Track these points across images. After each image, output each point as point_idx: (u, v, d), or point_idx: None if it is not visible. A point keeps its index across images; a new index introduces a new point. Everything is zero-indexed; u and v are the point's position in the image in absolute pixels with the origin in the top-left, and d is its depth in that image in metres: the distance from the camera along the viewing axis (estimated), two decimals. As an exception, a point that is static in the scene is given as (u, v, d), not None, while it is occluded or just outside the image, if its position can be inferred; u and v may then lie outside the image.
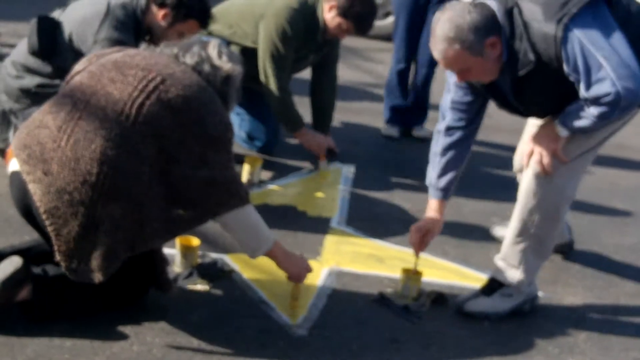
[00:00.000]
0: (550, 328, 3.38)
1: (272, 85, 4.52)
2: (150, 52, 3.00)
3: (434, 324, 3.28)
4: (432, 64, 5.42)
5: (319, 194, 4.54)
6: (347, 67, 7.19)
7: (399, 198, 4.51)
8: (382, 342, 3.11)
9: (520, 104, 3.27)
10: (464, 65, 3.11)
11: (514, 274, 3.34)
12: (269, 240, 3.02)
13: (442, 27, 3.05)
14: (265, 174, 4.63)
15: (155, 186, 2.78)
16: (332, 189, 4.63)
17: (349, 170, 4.95)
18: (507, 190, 4.11)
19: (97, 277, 2.78)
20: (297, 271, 3.15)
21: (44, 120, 2.84)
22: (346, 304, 3.36)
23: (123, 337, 2.89)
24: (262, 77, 4.53)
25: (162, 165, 2.78)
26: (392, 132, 5.71)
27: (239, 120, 4.94)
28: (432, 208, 3.53)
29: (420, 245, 3.49)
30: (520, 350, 3.18)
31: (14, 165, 2.88)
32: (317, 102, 4.97)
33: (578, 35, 2.95)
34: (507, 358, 3.10)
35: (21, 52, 3.95)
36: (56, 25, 3.85)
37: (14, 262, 2.80)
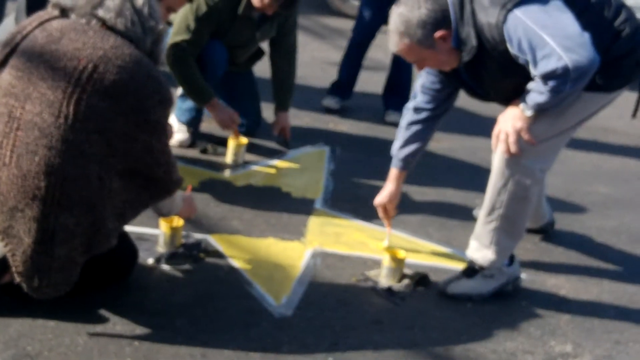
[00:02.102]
0: (533, 310, 3.40)
1: (173, 53, 4.35)
2: (74, 24, 2.74)
3: (417, 306, 3.30)
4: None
5: (303, 175, 4.54)
6: (332, 48, 7.19)
7: (383, 180, 4.50)
8: (366, 323, 3.12)
9: (481, 90, 3.38)
10: (417, 57, 3.28)
11: (485, 254, 3.37)
12: (180, 204, 3.14)
13: (394, 21, 3.20)
14: (250, 156, 4.62)
15: (106, 182, 2.69)
16: (316, 170, 4.62)
17: (333, 151, 4.95)
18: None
19: (62, 289, 2.75)
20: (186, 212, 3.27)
21: None
22: (330, 285, 3.36)
23: (106, 317, 2.89)
24: (167, 51, 4.34)
25: (109, 160, 2.68)
26: (332, 104, 5.70)
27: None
28: (390, 177, 3.76)
29: (387, 218, 3.77)
30: (502, 331, 3.19)
31: None
32: (274, 76, 4.89)
33: (520, 16, 3.03)
34: (489, 339, 3.12)
35: (7, 31, 3.89)
36: (44, 3, 3.81)
37: (-4, 248, 2.77)
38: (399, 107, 5.63)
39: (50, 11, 2.84)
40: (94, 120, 2.63)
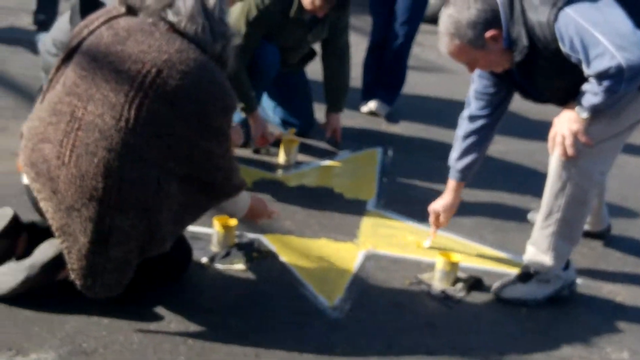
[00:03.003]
0: (588, 316, 3.35)
1: None
2: (142, 24, 2.76)
3: (470, 310, 3.26)
4: (406, 38, 5.42)
5: (356, 176, 4.52)
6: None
7: (437, 181, 4.47)
8: (418, 326, 3.09)
9: (535, 91, 3.34)
10: (469, 58, 3.24)
11: (543, 259, 3.32)
12: (246, 206, 3.15)
13: (443, 22, 3.18)
14: (302, 156, 4.63)
15: (164, 186, 2.70)
16: (368, 171, 4.61)
17: (385, 152, 4.93)
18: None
19: (114, 290, 2.77)
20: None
21: (45, 132, 2.74)
22: (383, 288, 3.34)
23: (160, 315, 2.90)
24: None
25: (168, 164, 2.70)
26: (372, 107, 5.64)
27: (273, 105, 4.93)
28: (448, 188, 3.73)
29: (437, 225, 3.75)
30: (557, 337, 3.15)
31: (25, 178, 2.84)
32: (326, 78, 4.88)
33: (571, 15, 2.99)
34: (543, 345, 3.07)
35: (62, 29, 3.95)
36: (98, 4, 3.84)
37: (53, 245, 2.80)
38: (388, 98, 5.60)
39: (118, 7, 2.85)
40: (154, 125, 2.64)
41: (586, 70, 3.01)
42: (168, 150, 2.67)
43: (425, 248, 3.69)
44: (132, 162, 2.63)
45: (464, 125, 3.61)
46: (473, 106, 3.58)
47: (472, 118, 3.58)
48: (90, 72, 2.70)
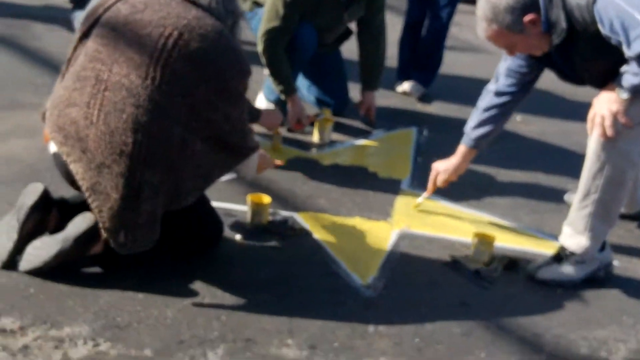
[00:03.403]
0: (625, 297, 3.30)
1: (264, 41, 4.37)
2: None
3: (505, 290, 3.24)
4: (445, 19, 5.37)
5: (390, 155, 4.49)
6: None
7: (473, 161, 4.43)
8: (452, 306, 3.07)
9: (574, 73, 3.31)
10: (507, 43, 3.22)
11: (579, 240, 3.28)
12: (255, 168, 3.19)
13: (481, 7, 3.16)
14: (336, 135, 4.61)
15: (189, 144, 2.78)
16: (403, 150, 4.58)
17: (420, 132, 4.89)
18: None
19: (145, 245, 2.81)
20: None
21: (71, 97, 2.82)
22: (416, 267, 3.33)
23: (194, 290, 2.91)
24: (259, 38, 4.39)
25: (192, 124, 2.78)
26: (406, 88, 5.59)
27: (308, 84, 4.91)
28: (458, 152, 3.77)
29: (434, 185, 3.80)
30: (592, 318, 3.11)
31: (53, 146, 2.89)
32: (361, 56, 4.84)
33: None
34: (580, 326, 3.04)
35: None
36: None
37: (86, 218, 2.83)
38: (424, 79, 5.55)
39: None
40: (178, 85, 2.74)
41: (626, 52, 2.97)
42: (191, 110, 2.77)
43: (416, 205, 3.80)
44: (159, 119, 2.72)
45: (488, 98, 3.63)
46: (501, 82, 3.57)
47: (498, 93, 3.59)
48: (111, 39, 2.80)
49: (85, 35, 2.92)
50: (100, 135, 2.71)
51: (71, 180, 2.88)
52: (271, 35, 4.34)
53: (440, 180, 3.78)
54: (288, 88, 4.44)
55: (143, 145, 2.71)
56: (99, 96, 2.75)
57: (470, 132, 3.69)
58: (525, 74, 3.50)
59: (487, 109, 3.63)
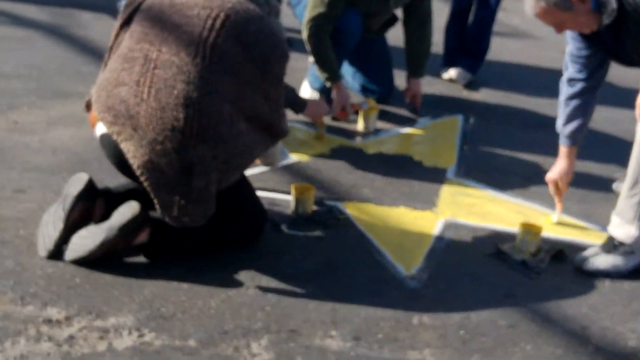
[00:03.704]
0: (676, 289, 3.25)
1: (309, 27, 4.33)
2: None
3: (552, 281, 3.19)
4: (493, 5, 5.28)
5: (435, 144, 4.46)
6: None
7: (519, 150, 4.39)
8: (498, 297, 3.04)
9: (624, 53, 3.25)
10: (556, 20, 3.16)
11: (628, 230, 3.22)
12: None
13: None
14: (381, 123, 4.58)
15: (236, 122, 2.85)
16: (448, 139, 4.54)
17: (466, 120, 4.85)
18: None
19: (199, 220, 2.85)
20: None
21: (119, 78, 2.86)
22: (462, 257, 3.29)
23: (238, 281, 2.91)
24: (304, 25, 4.36)
25: (238, 103, 2.85)
26: (452, 75, 5.53)
27: (352, 71, 4.88)
28: (561, 154, 3.66)
29: (559, 194, 3.67)
30: (642, 310, 3.07)
31: (101, 128, 2.92)
32: (407, 43, 4.79)
33: None
34: (628, 318, 2.99)
35: None
36: None
37: (131, 207, 2.85)
38: (465, 66, 5.48)
39: None
40: (226, 63, 2.81)
41: None
42: (237, 89, 2.85)
43: (554, 223, 3.64)
44: (209, 95, 2.78)
45: (564, 89, 3.56)
46: (570, 69, 3.51)
47: (570, 81, 3.52)
48: (158, 21, 2.87)
49: (126, 22, 2.99)
50: (152, 112, 2.76)
51: (119, 163, 2.91)
52: (317, 22, 4.31)
53: (563, 187, 3.68)
54: (333, 75, 4.41)
55: (194, 120, 2.76)
56: (149, 74, 2.80)
57: (562, 129, 3.61)
58: (588, 56, 3.42)
59: (568, 101, 3.56)
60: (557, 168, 3.66)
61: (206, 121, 2.78)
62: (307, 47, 4.38)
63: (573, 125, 3.56)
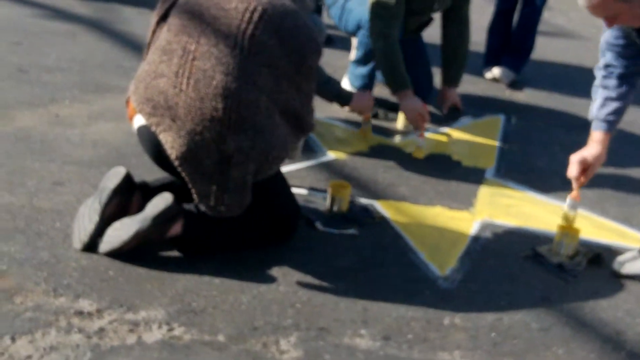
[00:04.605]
0: None
1: (376, 32, 4.23)
2: None
3: (588, 284, 3.14)
4: (540, 3, 5.21)
5: (475, 144, 4.42)
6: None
7: (561, 151, 4.33)
8: (533, 300, 3.00)
9: None
10: (609, 12, 2.98)
11: None
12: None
13: None
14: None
15: (272, 114, 2.87)
16: (489, 139, 4.50)
17: (508, 120, 4.80)
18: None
19: (235, 210, 2.88)
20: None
21: (158, 70, 2.89)
22: (497, 259, 3.26)
23: (270, 277, 2.91)
24: (371, 26, 4.25)
25: (275, 95, 2.88)
26: (496, 74, 5.46)
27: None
28: (594, 139, 3.39)
29: (580, 179, 3.36)
30: (680, 317, 3.01)
31: (139, 120, 2.94)
32: (445, 49, 4.70)
33: None
34: (665, 325, 2.95)
35: None
36: None
37: (165, 199, 2.86)
38: (513, 64, 5.40)
39: None
40: (265, 55, 2.84)
41: None
42: (274, 81, 2.88)
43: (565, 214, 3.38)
44: (248, 86, 2.81)
45: (600, 74, 3.38)
46: (608, 56, 3.35)
47: (607, 67, 3.35)
48: (196, 14, 2.90)
49: (163, 18, 3.02)
50: (190, 102, 2.79)
51: (157, 155, 2.93)
52: (384, 24, 4.21)
53: (590, 173, 3.37)
54: (404, 82, 4.26)
55: (233, 110, 2.79)
56: (187, 66, 2.83)
57: (598, 113, 3.37)
58: (624, 46, 3.27)
59: (604, 84, 3.36)
60: (589, 151, 3.37)
61: (245, 112, 2.80)
62: (376, 53, 4.27)
63: (609, 107, 3.35)
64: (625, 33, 3.23)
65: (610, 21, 3.05)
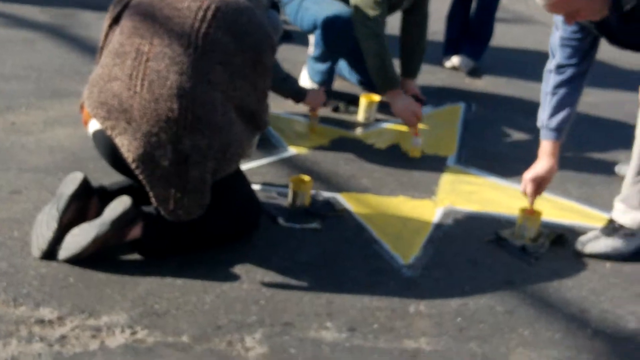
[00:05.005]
0: (678, 270, 3.21)
1: (367, 32, 4.17)
2: None
3: (552, 266, 3.16)
4: None
5: (436, 132, 4.42)
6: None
7: (521, 137, 4.35)
8: (496, 284, 3.00)
9: (627, 39, 3.10)
10: (571, 8, 2.95)
11: (634, 216, 3.18)
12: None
13: None
14: (381, 114, 4.55)
15: (228, 111, 2.87)
16: (449, 127, 4.51)
17: (468, 108, 4.81)
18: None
19: (195, 212, 2.85)
20: None
21: (111, 73, 2.86)
22: (460, 245, 3.27)
23: (233, 275, 2.89)
24: (355, 24, 4.19)
25: (230, 92, 2.87)
26: (455, 63, 5.49)
27: (349, 65, 4.85)
28: (545, 151, 3.36)
29: (535, 195, 3.36)
30: (643, 293, 3.03)
31: (94, 125, 2.91)
32: (404, 43, 4.67)
33: None
34: (629, 301, 2.95)
35: None
36: None
37: (123, 202, 2.84)
38: (468, 53, 5.42)
39: None
40: (219, 53, 2.83)
41: None
42: (229, 78, 2.87)
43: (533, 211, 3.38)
44: (202, 84, 2.80)
45: (552, 78, 3.32)
46: (559, 55, 3.30)
47: (559, 68, 3.30)
48: (149, 15, 2.88)
49: (115, 21, 3.01)
50: (145, 104, 2.77)
51: (113, 159, 2.90)
52: (375, 23, 4.16)
53: (544, 187, 3.37)
54: (395, 81, 4.22)
55: (189, 110, 2.78)
56: (141, 67, 2.81)
57: (548, 122, 3.33)
58: (581, 39, 3.25)
59: (555, 90, 3.31)
60: (541, 166, 3.35)
61: (200, 110, 2.79)
62: (366, 52, 4.19)
63: (561, 115, 3.31)
64: (581, 26, 3.21)
65: (570, 17, 3.01)
